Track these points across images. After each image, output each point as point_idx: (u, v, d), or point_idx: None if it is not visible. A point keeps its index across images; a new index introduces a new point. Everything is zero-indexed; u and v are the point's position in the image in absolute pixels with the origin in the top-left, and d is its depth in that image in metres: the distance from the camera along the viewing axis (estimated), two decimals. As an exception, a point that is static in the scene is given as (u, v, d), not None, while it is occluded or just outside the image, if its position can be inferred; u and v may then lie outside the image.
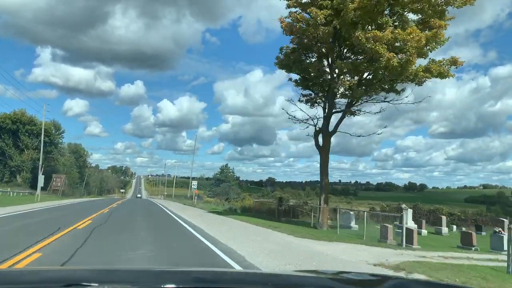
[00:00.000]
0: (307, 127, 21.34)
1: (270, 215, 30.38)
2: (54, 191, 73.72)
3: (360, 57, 18.99)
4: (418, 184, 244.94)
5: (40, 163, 68.52)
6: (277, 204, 30.63)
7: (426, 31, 16.44)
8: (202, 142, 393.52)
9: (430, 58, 18.22)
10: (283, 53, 21.23)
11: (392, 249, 12.86)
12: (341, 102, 20.97)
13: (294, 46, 20.75)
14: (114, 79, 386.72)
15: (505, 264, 9.60)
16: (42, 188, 70.74)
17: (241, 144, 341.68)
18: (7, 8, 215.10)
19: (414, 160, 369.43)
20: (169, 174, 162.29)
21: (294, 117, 21.47)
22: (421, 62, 18.15)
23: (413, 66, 16.42)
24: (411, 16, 17.97)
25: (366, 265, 8.92)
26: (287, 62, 20.13)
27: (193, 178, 75.02)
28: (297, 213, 30.96)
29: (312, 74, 20.73)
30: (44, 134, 70.93)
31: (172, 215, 23.15)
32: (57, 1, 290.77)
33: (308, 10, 17.99)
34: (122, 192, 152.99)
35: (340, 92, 20.28)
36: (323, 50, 19.83)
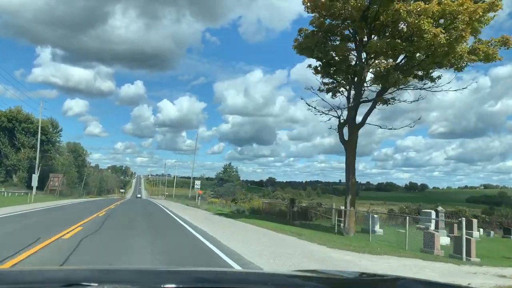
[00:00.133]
0: (329, 119, 18.84)
1: (282, 217, 27.95)
2: (51, 191, 71.33)
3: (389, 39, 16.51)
4: (419, 184, 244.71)
5: (37, 162, 66.20)
6: (289, 206, 28.10)
7: (479, 3, 13.90)
8: (202, 142, 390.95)
9: (476, 38, 15.72)
10: (302, 35, 18.71)
11: (453, 264, 10.35)
12: (366, 91, 18.48)
13: (314, 28, 18.25)
14: (114, 79, 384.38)
15: None
16: (39, 188, 68.50)
17: (241, 144, 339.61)
18: (7, 8, 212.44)
19: (414, 160, 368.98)
20: (169, 174, 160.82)
21: (314, 107, 18.95)
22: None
23: (464, 43, 13.89)
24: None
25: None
26: (308, 45, 17.59)
27: (195, 178, 72.69)
28: (310, 215, 28.55)
29: (336, 59, 18.21)
30: (41, 132, 68.53)
31: (177, 218, 20.65)
32: (57, 1, 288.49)
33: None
34: (122, 192, 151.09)
35: (368, 79, 17.77)
36: (350, 30, 17.33)
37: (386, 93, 17.06)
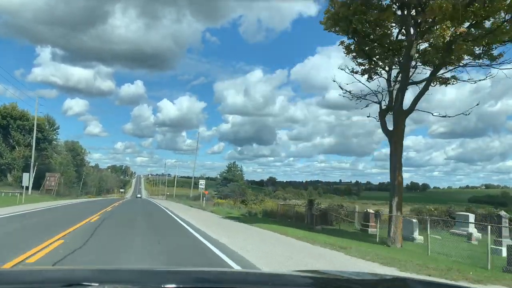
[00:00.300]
0: (366, 106, 15.69)
1: (299, 220, 24.80)
2: (48, 191, 68.34)
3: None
4: (419, 184, 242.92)
5: (32, 160, 63.15)
6: (308, 208, 24.90)
7: None
8: (202, 142, 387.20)
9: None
10: (333, 7, 15.52)
11: None
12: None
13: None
14: (114, 79, 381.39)
15: None
16: (35, 188, 65.62)
17: (241, 143, 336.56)
18: (7, 7, 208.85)
19: (414, 160, 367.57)
20: (169, 174, 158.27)
21: (349, 92, 15.77)
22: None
23: None
24: None
25: None
26: (344, 14, 14.37)
27: (196, 178, 69.54)
28: (331, 219, 25.39)
29: (377, 32, 15.05)
30: (37, 130, 65.54)
31: (184, 224, 17.45)
32: (56, 0, 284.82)
33: None
34: (122, 192, 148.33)
35: (417, 57, 14.60)
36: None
37: (438, 72, 13.82)
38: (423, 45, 15.05)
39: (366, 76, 16.27)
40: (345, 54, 16.74)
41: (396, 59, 15.46)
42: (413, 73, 15.23)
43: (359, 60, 16.53)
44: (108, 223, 15.61)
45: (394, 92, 14.93)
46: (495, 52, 14.24)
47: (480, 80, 14.61)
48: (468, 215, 22.81)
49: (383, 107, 15.11)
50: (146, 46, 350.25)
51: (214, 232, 13.94)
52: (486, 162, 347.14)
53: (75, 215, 20.07)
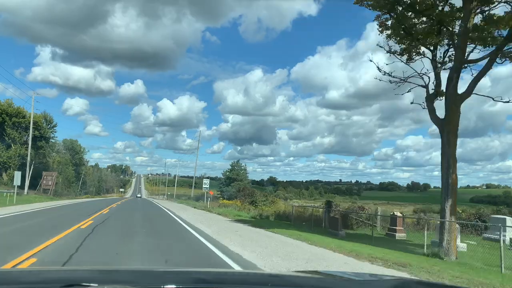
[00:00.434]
0: (409, 90, 13.22)
1: (316, 224, 22.31)
2: (45, 190, 65.99)
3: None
4: (420, 183, 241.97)
5: (28, 158, 60.84)
6: (325, 210, 22.43)
7: None
8: (202, 142, 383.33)
9: None
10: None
11: None
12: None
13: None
14: (114, 78, 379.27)
15: None
16: (32, 188, 63.26)
17: (241, 143, 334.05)
18: (7, 6, 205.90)
19: (414, 159, 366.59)
20: (169, 173, 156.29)
21: (389, 74, 13.30)
22: None
23: None
24: None
25: None
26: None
27: (196, 177, 67.23)
28: (350, 222, 22.92)
29: (424, 5, 12.58)
30: (34, 128, 63.11)
31: (191, 229, 15.00)
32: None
33: None
34: (121, 192, 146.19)
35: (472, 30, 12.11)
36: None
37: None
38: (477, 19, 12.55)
39: (405, 57, 13.81)
40: (379, 33, 14.30)
41: (445, 36, 12.98)
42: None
43: (397, 39, 14.06)
44: (102, 229, 13.09)
45: (442, 75, 12.49)
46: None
47: None
48: (505, 218, 20.53)
49: (431, 92, 12.63)
50: (146, 46, 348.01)
51: (232, 242, 11.46)
52: (485, 162, 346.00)
53: (67, 218, 17.61)
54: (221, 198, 42.50)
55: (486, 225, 19.17)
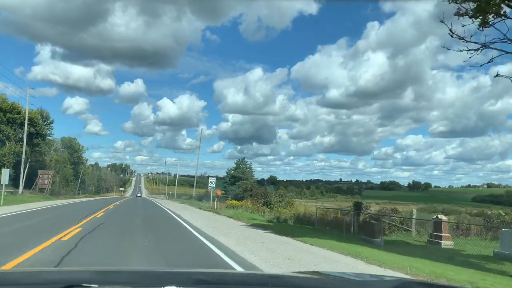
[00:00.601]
0: (490, 61, 10.36)
1: (340, 229, 19.42)
2: (41, 189, 63.19)
3: None
4: (421, 183, 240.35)
5: (23, 156, 58.02)
6: (354, 214, 19.54)
7: None
8: (202, 141, 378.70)
9: None
10: None
11: None
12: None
13: None
14: (114, 77, 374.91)
15: None
16: (27, 187, 60.42)
17: (241, 142, 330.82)
18: (6, 5, 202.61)
19: (414, 159, 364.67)
20: (170, 173, 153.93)
21: (463, 38, 10.42)
22: None
23: None
24: None
25: None
26: None
27: (198, 177, 64.48)
28: (382, 227, 20.05)
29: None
30: (29, 124, 60.31)
31: (207, 241, 12.13)
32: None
33: None
34: (121, 191, 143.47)
35: None
36: None
37: None
38: None
39: (478, 19, 10.91)
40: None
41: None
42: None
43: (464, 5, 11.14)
44: (89, 246, 10.19)
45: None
46: None
47: None
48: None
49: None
50: (146, 44, 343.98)
51: (266, 262, 8.59)
52: (485, 161, 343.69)
53: (54, 222, 14.80)
54: (229, 199, 39.53)
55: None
